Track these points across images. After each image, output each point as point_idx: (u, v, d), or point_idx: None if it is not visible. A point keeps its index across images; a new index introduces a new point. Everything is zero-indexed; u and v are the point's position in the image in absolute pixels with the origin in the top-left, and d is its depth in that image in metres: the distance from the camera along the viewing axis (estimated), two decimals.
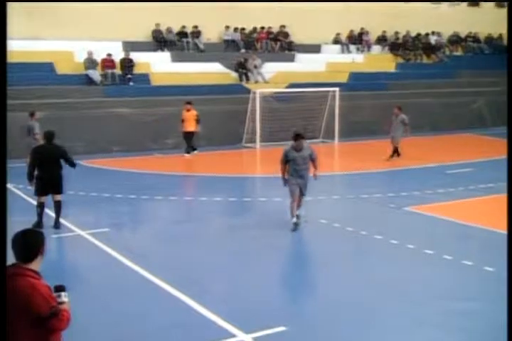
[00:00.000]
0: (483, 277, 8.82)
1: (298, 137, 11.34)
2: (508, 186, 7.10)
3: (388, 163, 18.65)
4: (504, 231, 11.02)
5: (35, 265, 4.29)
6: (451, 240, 10.80)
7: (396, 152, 19.26)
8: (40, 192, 11.27)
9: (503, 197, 14.13)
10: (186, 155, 19.92)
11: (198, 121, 19.80)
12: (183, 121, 19.84)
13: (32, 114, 16.80)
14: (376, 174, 17.41)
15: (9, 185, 14.93)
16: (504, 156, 20.36)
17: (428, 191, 14.69)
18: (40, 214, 11.27)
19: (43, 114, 19.24)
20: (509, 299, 4.97)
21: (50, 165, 11.17)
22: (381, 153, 20.55)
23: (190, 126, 19.77)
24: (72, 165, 11.40)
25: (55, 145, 11.39)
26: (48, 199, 11.38)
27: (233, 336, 6.80)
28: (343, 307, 7.71)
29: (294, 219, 11.26)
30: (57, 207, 11.40)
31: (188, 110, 19.75)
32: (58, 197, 11.38)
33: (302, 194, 11.43)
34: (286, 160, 11.30)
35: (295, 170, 11.21)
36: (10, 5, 22.90)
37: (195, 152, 20.11)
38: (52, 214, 11.50)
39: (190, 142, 20.02)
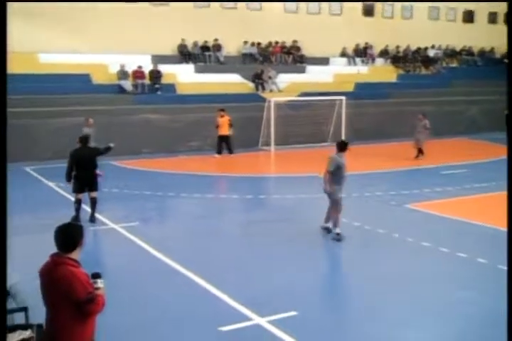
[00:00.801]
0: (476, 268, 8.74)
1: (347, 146, 10.42)
2: (508, 185, 6.95)
3: (390, 164, 18.53)
4: (497, 226, 10.98)
5: (75, 255, 4.34)
6: (447, 234, 10.71)
7: (421, 152, 19.73)
8: (78, 189, 11.35)
9: (497, 195, 14.05)
10: (216, 156, 20.09)
11: (231, 125, 20.02)
12: (217, 126, 20.00)
13: (86, 120, 16.80)
14: (379, 174, 17.30)
15: (51, 184, 15.09)
16: (497, 158, 20.27)
17: (426, 190, 14.60)
18: (78, 209, 11.34)
19: (80, 120, 19.41)
20: (509, 297, 4.79)
21: (86, 165, 11.24)
22: (383, 155, 20.48)
23: (225, 131, 20.01)
24: (108, 149, 11.65)
25: (89, 147, 11.46)
26: (85, 196, 11.45)
27: (250, 319, 6.80)
28: (349, 295, 7.69)
29: (337, 230, 10.30)
30: (93, 203, 11.47)
31: (222, 116, 19.99)
32: (94, 194, 11.45)
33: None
34: (337, 169, 10.08)
35: (342, 178, 10.24)
36: (53, 23, 23.17)
37: (218, 156, 20.17)
38: (89, 210, 11.57)
39: (229, 144, 20.25)
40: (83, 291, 4.17)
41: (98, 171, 15.75)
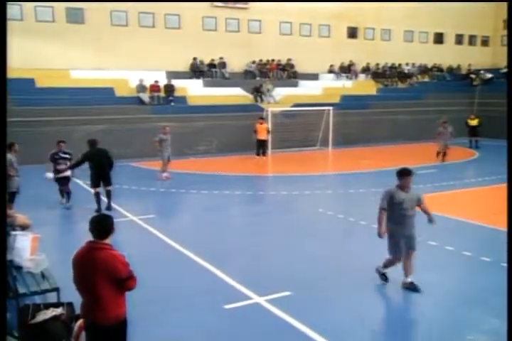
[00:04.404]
0: (445, 255, 8.73)
1: (408, 173, 6.97)
2: (508, 185, 6.82)
3: (369, 165, 18.51)
4: (462, 218, 10.98)
5: (108, 240, 4.43)
6: (419, 225, 10.64)
7: (445, 155, 19.50)
8: (94, 184, 11.45)
9: (462, 191, 14.06)
10: (256, 157, 20.04)
11: (268, 131, 19.95)
12: (255, 131, 19.88)
13: (163, 128, 16.19)
14: (361, 174, 17.28)
15: (79, 181, 15.06)
16: (462, 160, 20.28)
17: None
18: (98, 202, 11.42)
19: (104, 127, 19.43)
20: (509, 296, 4.68)
21: (98, 164, 11.31)
22: (366, 157, 20.46)
23: (263, 136, 19.89)
24: (111, 166, 11.53)
25: (99, 148, 11.49)
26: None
27: (250, 298, 6.80)
28: (337, 277, 7.66)
29: (409, 279, 7.10)
30: (108, 194, 11.58)
31: (261, 123, 19.91)
32: (109, 188, 11.56)
33: (411, 248, 7.10)
34: (390, 204, 6.97)
35: (401, 216, 6.97)
36: (82, 44, 23.21)
37: (259, 157, 20.12)
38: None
39: (262, 148, 20.08)
40: (125, 270, 4.28)
41: (167, 174, 15.64)
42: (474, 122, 24.04)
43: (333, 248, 9.23)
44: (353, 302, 6.80)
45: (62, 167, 11.70)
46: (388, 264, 7.28)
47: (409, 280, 7.08)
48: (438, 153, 19.73)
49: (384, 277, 7.36)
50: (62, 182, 11.94)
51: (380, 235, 6.99)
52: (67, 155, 11.85)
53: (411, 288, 7.01)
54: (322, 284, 7.40)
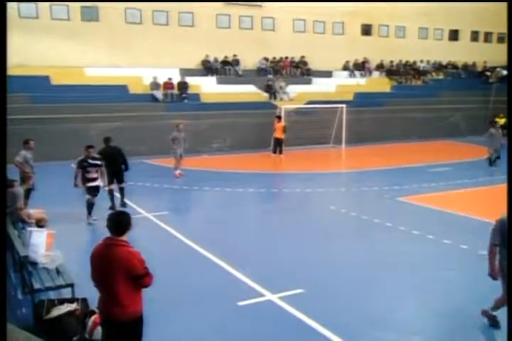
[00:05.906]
0: (459, 253, 8.65)
1: None
2: (508, 184, 6.72)
3: (382, 163, 18.40)
4: (476, 216, 10.86)
5: (125, 237, 4.46)
6: (433, 223, 10.60)
7: (498, 157, 17.47)
8: (109, 181, 11.36)
9: (477, 190, 13.92)
10: (272, 155, 20.00)
11: (284, 130, 19.91)
12: (275, 130, 19.92)
13: (177, 126, 16.07)
14: (374, 172, 17.15)
15: None
16: (477, 158, 20.03)
17: (415, 185, 14.47)
18: (112, 199, 11.42)
19: (118, 124, 19.52)
20: (509, 296, 4.56)
21: (112, 161, 11.25)
22: (378, 155, 20.33)
23: (279, 134, 19.82)
24: (126, 164, 11.54)
25: (113, 146, 11.52)
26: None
27: (262, 295, 6.80)
28: (350, 275, 7.65)
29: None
30: (122, 191, 11.65)
31: (279, 122, 19.87)
32: (122, 185, 11.63)
33: None
34: (503, 237, 5.57)
35: None
36: (97, 42, 23.34)
37: (274, 155, 19.96)
38: (126, 200, 11.64)
39: (279, 146, 19.94)
40: (141, 266, 4.32)
41: (180, 171, 15.69)
42: (502, 121, 23.66)
43: (345, 246, 9.19)
44: (365, 300, 6.75)
45: (92, 175, 10.42)
46: (499, 304, 5.89)
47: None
48: (490, 159, 17.43)
49: (494, 321, 5.98)
50: (93, 193, 10.55)
51: (492, 277, 5.67)
52: (97, 161, 10.51)
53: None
54: (335, 282, 7.38)
